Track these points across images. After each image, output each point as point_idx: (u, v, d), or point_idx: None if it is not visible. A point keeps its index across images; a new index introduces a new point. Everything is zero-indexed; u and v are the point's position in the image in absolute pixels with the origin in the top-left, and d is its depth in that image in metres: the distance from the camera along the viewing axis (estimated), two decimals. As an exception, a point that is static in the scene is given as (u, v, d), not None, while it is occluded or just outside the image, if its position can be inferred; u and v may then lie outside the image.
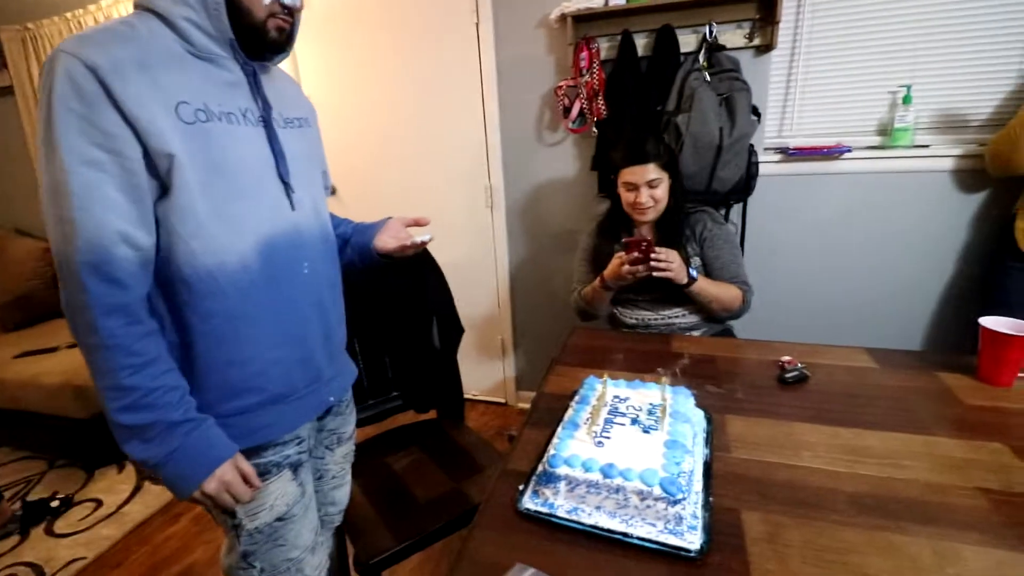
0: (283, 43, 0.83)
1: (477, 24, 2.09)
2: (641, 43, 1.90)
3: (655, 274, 1.35)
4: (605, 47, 1.94)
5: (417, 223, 1.10)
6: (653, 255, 1.32)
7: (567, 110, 1.98)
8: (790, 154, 1.86)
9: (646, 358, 1.24)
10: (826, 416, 0.97)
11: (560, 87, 1.95)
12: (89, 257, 0.69)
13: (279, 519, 0.91)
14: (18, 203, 3.25)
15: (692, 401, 0.94)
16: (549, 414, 1.00)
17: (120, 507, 2.00)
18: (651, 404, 0.90)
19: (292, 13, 0.82)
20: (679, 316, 1.53)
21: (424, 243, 1.04)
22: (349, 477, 1.17)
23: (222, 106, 0.78)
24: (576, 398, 0.96)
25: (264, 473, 0.88)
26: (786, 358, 1.17)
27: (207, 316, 0.79)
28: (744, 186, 1.78)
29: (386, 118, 2.35)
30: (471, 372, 2.44)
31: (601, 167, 2.01)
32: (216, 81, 0.78)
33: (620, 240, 1.50)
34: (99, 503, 2.03)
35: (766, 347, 1.27)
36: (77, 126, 0.67)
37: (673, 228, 1.52)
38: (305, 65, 2.39)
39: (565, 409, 0.98)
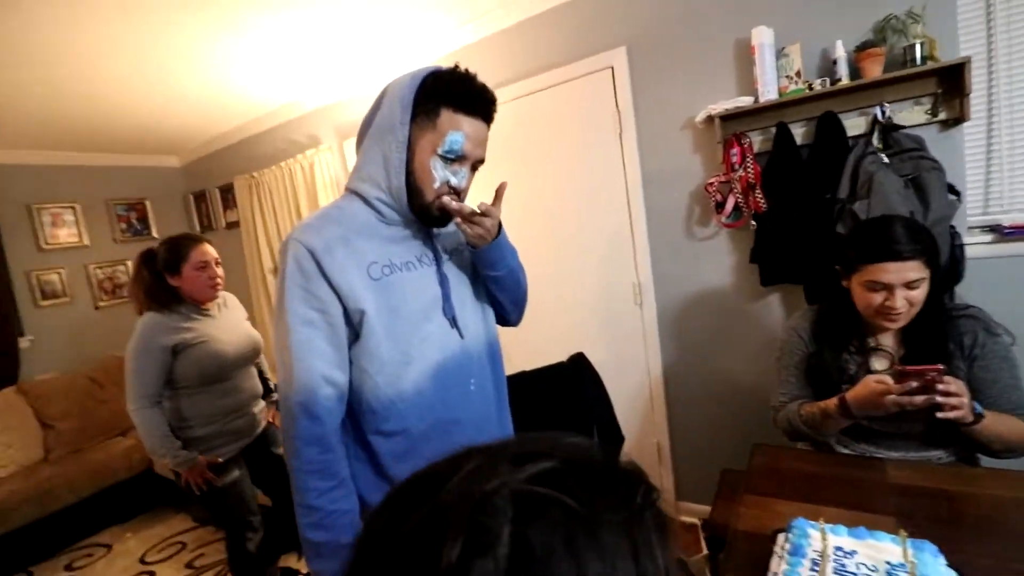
0: (444, 221, 0.98)
1: (620, 134, 2.18)
2: (799, 132, 1.81)
3: (939, 414, 1.02)
4: (758, 140, 1.89)
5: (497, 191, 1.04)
6: (942, 387, 1.01)
7: (719, 205, 1.92)
8: (1006, 233, 1.58)
9: (861, 492, 1.04)
10: None
11: (711, 183, 1.92)
12: (301, 397, 0.87)
13: None
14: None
15: (942, 561, 0.76)
16: (750, 559, 0.87)
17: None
18: (889, 564, 0.74)
19: (459, 193, 0.96)
20: (936, 459, 1.18)
21: (466, 210, 0.95)
22: None
23: (403, 257, 0.96)
24: (786, 545, 0.83)
25: None
26: (1065, 501, 0.91)
27: (390, 435, 0.94)
28: (951, 273, 1.53)
29: (533, 220, 2.48)
30: (625, 479, 2.28)
31: (762, 259, 1.89)
32: (399, 238, 0.97)
33: (849, 349, 1.24)
34: None
35: (1022, 482, 1.01)
36: (300, 295, 0.88)
37: (933, 339, 1.17)
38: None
39: (769, 555, 0.85)
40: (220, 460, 1.79)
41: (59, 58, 2.11)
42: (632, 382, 2.32)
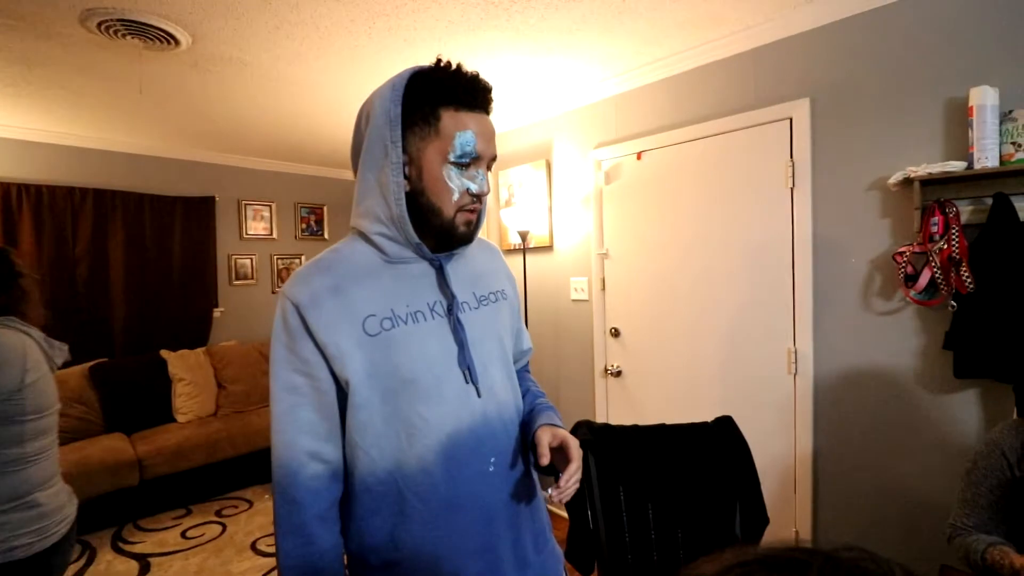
0: (470, 235, 0.85)
1: (792, 188, 2.05)
2: (1023, 206, 1.56)
3: None
4: (967, 211, 1.66)
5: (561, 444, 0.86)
6: None
7: (910, 278, 1.71)
8: None
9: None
10: None
11: (902, 252, 1.71)
12: (278, 477, 0.76)
13: None
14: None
15: None
16: None
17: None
18: None
19: (480, 199, 0.83)
20: None
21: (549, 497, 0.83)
22: None
23: (410, 306, 0.81)
24: None
25: None
26: None
27: (386, 517, 0.78)
28: None
29: (687, 267, 2.40)
30: (751, 562, 2.06)
31: (960, 347, 1.63)
32: (405, 278, 0.83)
33: None
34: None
35: None
36: (285, 356, 0.77)
37: None
38: (608, 213, 2.68)
39: None
40: None
41: (301, 88, 2.53)
42: (774, 457, 2.11)
